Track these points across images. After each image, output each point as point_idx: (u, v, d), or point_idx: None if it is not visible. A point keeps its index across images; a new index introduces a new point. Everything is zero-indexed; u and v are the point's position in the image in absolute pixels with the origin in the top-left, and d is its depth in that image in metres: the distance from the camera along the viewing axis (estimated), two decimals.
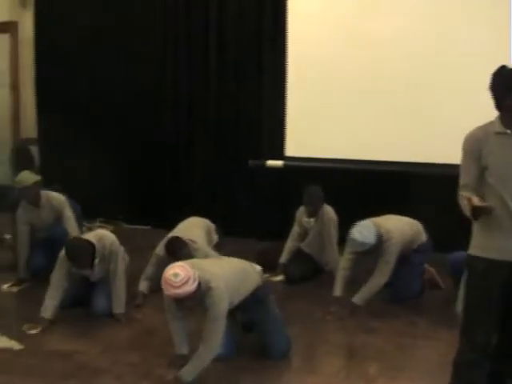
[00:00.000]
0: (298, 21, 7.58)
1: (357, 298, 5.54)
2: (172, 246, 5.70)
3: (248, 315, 4.72)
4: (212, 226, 6.49)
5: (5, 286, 6.20)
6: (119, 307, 5.46)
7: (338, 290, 5.71)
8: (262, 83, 7.98)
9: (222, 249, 6.25)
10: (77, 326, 5.31)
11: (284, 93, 7.73)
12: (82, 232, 6.42)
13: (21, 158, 8.30)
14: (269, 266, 6.19)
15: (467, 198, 3.28)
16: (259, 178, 8.05)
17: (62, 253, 5.31)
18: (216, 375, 4.38)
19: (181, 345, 4.44)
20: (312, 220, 6.52)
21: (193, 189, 8.44)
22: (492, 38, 6.70)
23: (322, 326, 5.42)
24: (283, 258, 6.62)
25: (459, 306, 4.39)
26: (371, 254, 5.58)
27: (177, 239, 5.79)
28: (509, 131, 3.35)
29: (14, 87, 9.62)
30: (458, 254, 4.90)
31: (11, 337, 4.99)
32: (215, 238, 6.41)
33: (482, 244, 3.44)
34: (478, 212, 3.25)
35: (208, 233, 6.34)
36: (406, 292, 5.80)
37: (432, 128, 6.98)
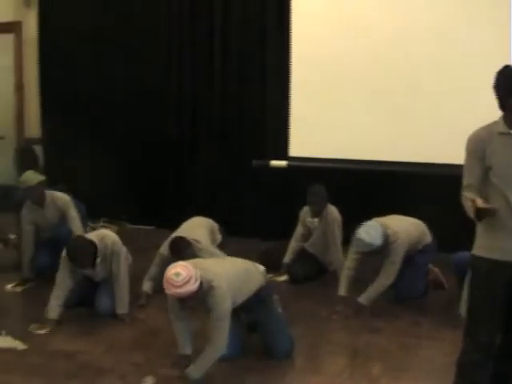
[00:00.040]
0: (302, 21, 7.58)
1: (362, 298, 5.54)
2: (176, 246, 5.70)
3: (251, 315, 4.72)
4: (215, 225, 6.49)
5: (9, 286, 6.21)
6: (122, 307, 5.46)
7: (342, 290, 5.72)
8: (265, 83, 7.98)
9: (225, 248, 6.25)
10: (80, 326, 5.32)
11: (288, 93, 7.73)
12: (86, 232, 6.42)
13: (25, 158, 8.30)
14: (272, 265, 6.18)
15: (471, 200, 3.27)
16: (263, 178, 8.05)
17: (64, 253, 5.32)
18: (221, 375, 4.39)
19: (184, 345, 4.44)
20: (316, 220, 6.52)
21: (196, 189, 8.44)
22: (492, 38, 6.69)
23: (326, 325, 5.42)
24: (287, 257, 6.62)
25: (463, 308, 4.38)
26: (377, 254, 5.58)
27: (181, 239, 5.79)
28: None
29: (19, 87, 9.63)
30: (462, 255, 4.89)
31: (15, 337, 4.99)
32: (219, 237, 6.41)
33: (485, 245, 3.43)
34: (481, 214, 3.24)
35: (211, 232, 6.35)
36: (410, 292, 5.80)
37: (435, 128, 6.98)
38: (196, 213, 6.59)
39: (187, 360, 4.40)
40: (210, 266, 4.41)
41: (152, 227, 8.53)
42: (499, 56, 6.33)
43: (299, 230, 6.67)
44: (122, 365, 4.61)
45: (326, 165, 7.44)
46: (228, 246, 6.34)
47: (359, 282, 5.72)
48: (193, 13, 8.27)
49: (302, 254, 6.60)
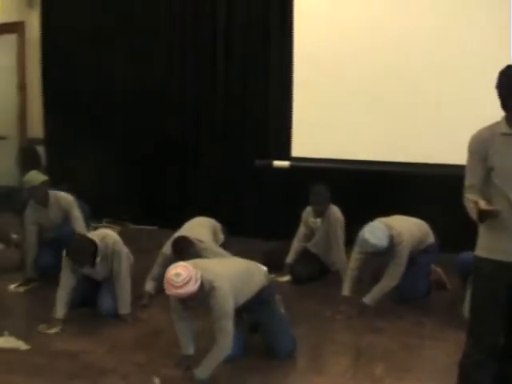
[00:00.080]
0: (305, 23, 7.57)
1: (367, 299, 5.55)
2: (179, 246, 5.70)
3: (253, 316, 4.71)
4: (218, 225, 6.49)
5: (12, 286, 6.20)
6: (124, 308, 5.47)
7: (346, 290, 5.73)
8: (268, 84, 7.98)
9: (228, 248, 6.23)
10: (83, 326, 5.32)
11: (290, 94, 7.72)
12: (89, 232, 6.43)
13: (27, 158, 8.31)
14: (274, 266, 6.18)
15: (473, 202, 3.25)
16: (265, 178, 8.05)
17: (65, 252, 5.34)
18: (223, 375, 4.37)
19: (187, 345, 4.45)
20: (318, 220, 6.51)
21: (199, 189, 8.44)
22: (493, 38, 6.69)
23: (329, 325, 5.42)
24: (289, 258, 6.61)
25: (466, 308, 4.38)
26: (381, 255, 5.57)
27: (183, 238, 5.79)
28: None
29: (21, 87, 9.64)
30: (467, 255, 4.86)
31: (18, 337, 4.99)
32: (221, 237, 6.41)
33: (488, 246, 3.42)
34: (484, 215, 3.23)
35: (214, 232, 6.34)
36: (413, 292, 5.79)
37: (437, 129, 6.98)
38: (199, 213, 6.59)
39: (190, 360, 4.41)
40: (211, 267, 4.40)
41: (155, 227, 8.53)
42: (500, 56, 6.36)
43: (301, 230, 6.67)
44: (124, 365, 4.61)
45: (328, 165, 7.43)
46: (230, 246, 6.34)
47: (360, 281, 5.75)
48: (195, 13, 8.27)
49: (304, 255, 6.60)
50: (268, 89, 7.99)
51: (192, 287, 4.06)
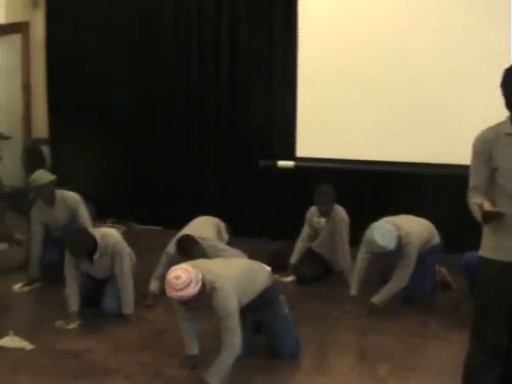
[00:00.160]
0: (309, 22, 7.59)
1: (376, 299, 5.55)
2: (183, 244, 5.69)
3: (257, 316, 4.71)
4: (222, 224, 6.48)
5: (16, 286, 6.21)
6: (128, 308, 5.47)
7: (353, 289, 5.74)
8: (272, 84, 7.98)
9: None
10: (87, 326, 5.32)
11: (294, 94, 7.73)
12: None
13: (32, 158, 8.33)
14: (279, 266, 6.18)
15: (478, 205, 3.24)
16: (270, 178, 8.05)
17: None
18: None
19: (191, 345, 4.45)
20: (323, 220, 6.49)
21: (204, 189, 8.44)
22: (493, 37, 6.69)
23: (333, 325, 5.42)
24: (293, 258, 6.61)
25: None
26: (388, 255, 5.56)
27: (188, 237, 5.78)
28: None
29: (26, 87, 9.65)
30: (471, 255, 4.85)
31: (23, 336, 4.99)
32: (226, 236, 6.39)
33: (492, 246, 3.40)
34: (488, 217, 3.22)
35: (218, 231, 6.33)
36: (418, 292, 5.78)
37: (442, 129, 6.98)
38: (203, 213, 6.60)
39: (194, 360, 4.42)
40: (213, 268, 4.39)
41: (159, 227, 8.53)
42: (500, 56, 6.40)
43: (306, 230, 6.66)
44: (128, 365, 4.61)
45: (332, 165, 7.44)
46: (235, 246, 6.33)
47: (367, 283, 5.76)
48: (200, 13, 8.27)
49: (308, 255, 6.59)
50: (272, 89, 7.99)
51: (192, 290, 4.04)
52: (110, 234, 5.62)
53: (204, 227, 6.18)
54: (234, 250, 5.93)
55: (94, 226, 6.60)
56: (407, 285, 5.61)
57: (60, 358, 4.71)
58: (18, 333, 5.04)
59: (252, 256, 5.53)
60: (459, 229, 6.24)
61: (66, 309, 5.36)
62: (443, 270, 6.14)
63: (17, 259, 6.81)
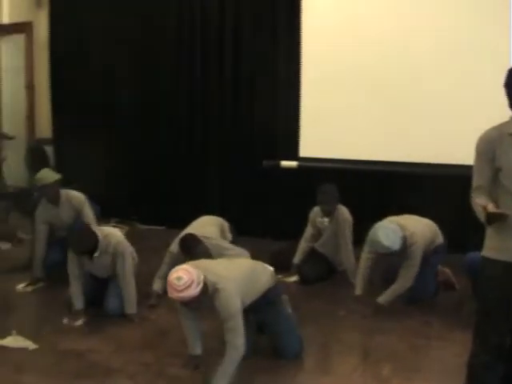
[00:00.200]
0: (313, 22, 7.58)
1: (382, 299, 5.54)
2: (186, 244, 5.68)
3: (259, 316, 4.70)
4: (226, 224, 6.46)
5: (19, 286, 6.21)
6: (130, 308, 5.47)
7: (358, 289, 5.74)
8: (276, 84, 7.98)
9: None
10: (90, 326, 5.33)
11: (298, 94, 7.72)
12: None
13: (35, 158, 8.33)
14: (282, 266, 6.18)
15: (482, 207, 3.23)
16: (273, 178, 8.04)
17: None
18: None
19: (194, 345, 4.44)
20: (326, 220, 6.49)
21: (207, 189, 8.45)
22: (494, 37, 6.68)
23: (336, 325, 5.41)
24: (296, 258, 6.60)
25: None
26: (392, 255, 5.55)
27: (191, 236, 5.76)
28: None
29: (30, 87, 9.66)
30: (474, 255, 4.84)
31: (26, 336, 5.00)
32: (229, 236, 6.37)
33: (496, 246, 3.39)
34: (492, 218, 3.22)
35: (222, 231, 6.31)
36: (421, 293, 5.77)
37: (445, 129, 6.96)
38: (207, 213, 6.58)
39: (198, 360, 4.42)
40: (216, 269, 4.38)
41: (163, 227, 8.54)
42: (502, 56, 6.44)
43: (309, 230, 6.65)
44: (131, 364, 4.61)
45: (336, 165, 7.44)
46: (238, 246, 6.31)
47: (371, 283, 5.76)
48: (204, 13, 8.28)
49: (312, 255, 6.59)
50: (276, 89, 7.98)
51: (194, 291, 4.02)
52: (112, 233, 5.63)
53: (207, 226, 6.17)
54: (238, 249, 5.91)
55: (98, 225, 6.62)
56: (413, 285, 5.61)
57: (63, 358, 4.71)
58: (21, 332, 5.04)
59: (255, 256, 5.53)
60: (462, 229, 6.23)
61: (71, 307, 5.39)
62: (447, 270, 6.14)
63: (20, 259, 6.82)
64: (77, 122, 8.87)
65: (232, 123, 8.28)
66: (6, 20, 9.38)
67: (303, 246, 6.63)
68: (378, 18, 7.22)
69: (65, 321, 5.34)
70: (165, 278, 5.73)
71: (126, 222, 8.63)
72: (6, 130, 9.51)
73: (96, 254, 5.40)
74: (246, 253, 5.87)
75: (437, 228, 5.93)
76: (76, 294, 5.41)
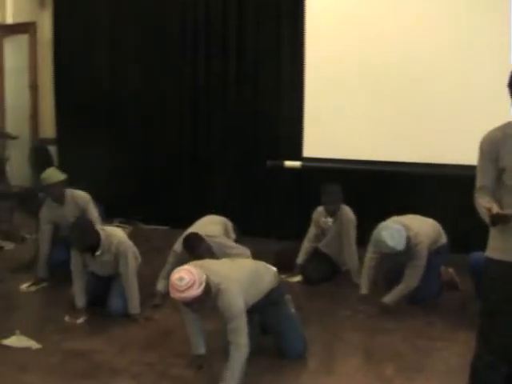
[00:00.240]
0: (316, 22, 7.57)
1: (387, 299, 5.55)
2: (189, 243, 5.67)
3: (263, 316, 4.70)
4: (229, 223, 6.46)
5: (23, 286, 6.22)
6: (134, 308, 5.47)
7: (364, 289, 5.74)
8: (279, 84, 7.98)
9: None
10: (94, 326, 5.34)
11: (301, 94, 7.71)
12: None
13: (39, 158, 8.34)
14: (285, 266, 6.18)
15: (486, 208, 3.23)
16: (277, 178, 8.05)
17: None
18: None
19: (198, 345, 4.44)
20: (330, 220, 6.48)
21: (211, 189, 8.45)
22: (496, 39, 6.67)
23: (340, 325, 5.41)
24: (300, 258, 6.60)
25: None
26: (397, 255, 5.55)
27: (194, 235, 5.76)
28: None
29: (33, 87, 9.68)
30: (478, 255, 4.84)
31: (30, 336, 5.01)
32: (233, 235, 6.37)
33: (499, 246, 3.39)
34: (496, 219, 3.21)
35: (225, 230, 6.31)
36: (425, 293, 5.76)
37: (448, 129, 6.94)
38: (210, 213, 6.57)
39: (201, 360, 4.42)
40: (219, 269, 4.37)
41: (167, 227, 8.53)
42: (503, 56, 6.41)
43: (312, 230, 6.65)
44: (135, 365, 4.62)
45: (339, 165, 7.43)
46: (242, 245, 6.33)
47: (375, 284, 5.77)
48: (207, 12, 8.28)
49: (315, 255, 6.59)
50: (279, 89, 7.99)
51: (195, 291, 3.99)
52: (114, 233, 5.63)
53: (211, 225, 6.16)
54: (241, 247, 5.91)
55: (102, 225, 6.63)
56: (417, 286, 5.61)
57: (66, 358, 4.71)
58: (25, 332, 5.05)
59: (258, 256, 5.53)
60: (466, 229, 6.22)
61: (74, 306, 5.43)
62: (450, 270, 6.13)
63: (24, 259, 6.82)
64: (80, 122, 8.88)
65: (236, 123, 8.27)
66: (9, 20, 9.41)
67: (306, 246, 6.63)
68: (381, 19, 7.21)
69: (66, 318, 5.37)
70: (168, 277, 5.74)
71: (129, 222, 8.63)
72: (10, 129, 9.52)
73: (98, 253, 5.41)
74: (248, 252, 5.88)
75: (440, 228, 5.93)
76: (78, 292, 5.45)
